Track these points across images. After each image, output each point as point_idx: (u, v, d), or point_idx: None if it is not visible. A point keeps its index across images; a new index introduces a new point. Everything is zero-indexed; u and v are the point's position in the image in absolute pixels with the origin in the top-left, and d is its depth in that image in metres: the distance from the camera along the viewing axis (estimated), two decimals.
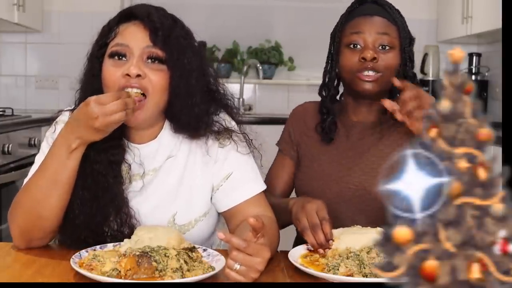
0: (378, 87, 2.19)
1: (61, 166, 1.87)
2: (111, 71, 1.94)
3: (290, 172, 2.40)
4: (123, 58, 1.95)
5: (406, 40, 2.24)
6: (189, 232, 2.04)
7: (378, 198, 2.24)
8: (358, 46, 2.20)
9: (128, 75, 1.91)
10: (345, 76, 2.24)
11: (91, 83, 2.00)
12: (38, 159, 2.03)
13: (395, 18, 2.23)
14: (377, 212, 2.12)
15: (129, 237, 1.80)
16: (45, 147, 2.06)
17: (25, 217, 1.91)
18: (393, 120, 2.15)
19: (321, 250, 1.85)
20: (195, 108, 2.01)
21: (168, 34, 1.97)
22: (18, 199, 1.95)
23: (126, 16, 2.01)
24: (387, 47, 2.19)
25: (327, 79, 2.34)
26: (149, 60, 1.95)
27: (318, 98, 2.37)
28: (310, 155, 2.33)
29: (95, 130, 1.80)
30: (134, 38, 1.96)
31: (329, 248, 1.83)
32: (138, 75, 1.91)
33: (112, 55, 1.96)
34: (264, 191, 2.11)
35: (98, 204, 1.94)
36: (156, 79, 1.94)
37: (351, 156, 2.26)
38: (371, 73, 2.16)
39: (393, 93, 2.22)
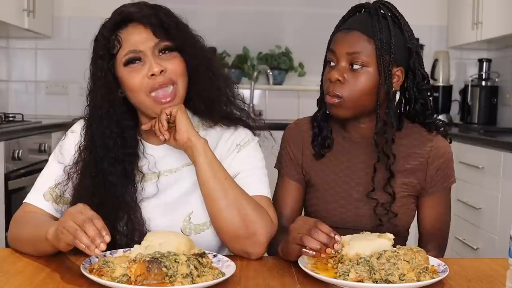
0: (344, 111, 2.13)
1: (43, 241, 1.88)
2: (132, 76, 2.00)
3: (295, 196, 2.29)
4: (138, 62, 2.01)
5: (384, 57, 2.09)
6: (204, 233, 2.05)
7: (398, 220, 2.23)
8: (332, 64, 2.15)
9: (153, 75, 1.97)
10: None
11: (109, 97, 2.02)
12: (45, 171, 2.14)
13: (376, 32, 2.10)
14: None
15: (139, 242, 1.81)
16: (52, 157, 2.15)
17: (25, 250, 1.98)
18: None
19: (323, 255, 1.77)
20: (213, 87, 2.11)
21: (167, 23, 2.04)
22: (16, 232, 2.02)
23: (121, 21, 2.04)
24: (357, 67, 2.10)
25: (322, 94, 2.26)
26: (161, 53, 2.02)
27: None
28: (317, 175, 2.26)
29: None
30: (141, 41, 2.01)
31: (333, 249, 1.76)
32: (161, 71, 1.98)
33: (127, 63, 2.00)
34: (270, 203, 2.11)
35: (108, 209, 1.95)
36: (175, 66, 2.02)
37: (362, 176, 2.22)
38: (333, 97, 2.11)
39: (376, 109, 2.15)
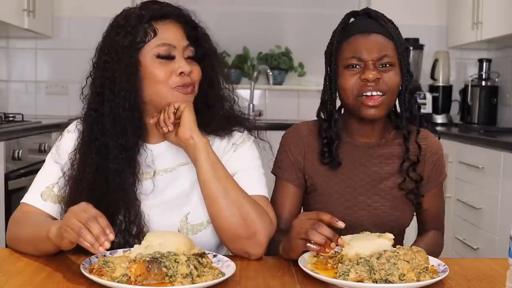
0: (383, 111, 2.15)
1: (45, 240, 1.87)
2: (161, 69, 2.01)
3: (294, 200, 2.28)
4: (170, 56, 2.02)
5: (404, 55, 2.17)
6: (201, 234, 2.05)
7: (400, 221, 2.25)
8: (358, 67, 2.14)
9: (182, 73, 2.01)
10: (347, 101, 2.17)
11: (135, 82, 2.00)
12: (42, 171, 2.14)
13: (391, 33, 2.17)
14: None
15: (137, 238, 1.81)
16: (49, 157, 2.15)
17: (25, 249, 1.98)
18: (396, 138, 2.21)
19: (328, 250, 1.78)
20: (218, 101, 2.15)
21: (199, 30, 2.11)
22: (15, 232, 2.02)
23: (160, 15, 2.04)
24: (388, 66, 2.13)
25: (328, 103, 2.24)
26: (188, 57, 2.05)
27: None
28: (320, 179, 2.26)
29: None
30: (176, 37, 2.04)
31: (337, 243, 1.78)
32: (190, 72, 2.03)
33: (161, 55, 2.01)
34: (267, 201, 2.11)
35: (107, 201, 1.95)
36: (196, 73, 2.07)
37: (364, 179, 2.24)
38: (374, 94, 2.11)
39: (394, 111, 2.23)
